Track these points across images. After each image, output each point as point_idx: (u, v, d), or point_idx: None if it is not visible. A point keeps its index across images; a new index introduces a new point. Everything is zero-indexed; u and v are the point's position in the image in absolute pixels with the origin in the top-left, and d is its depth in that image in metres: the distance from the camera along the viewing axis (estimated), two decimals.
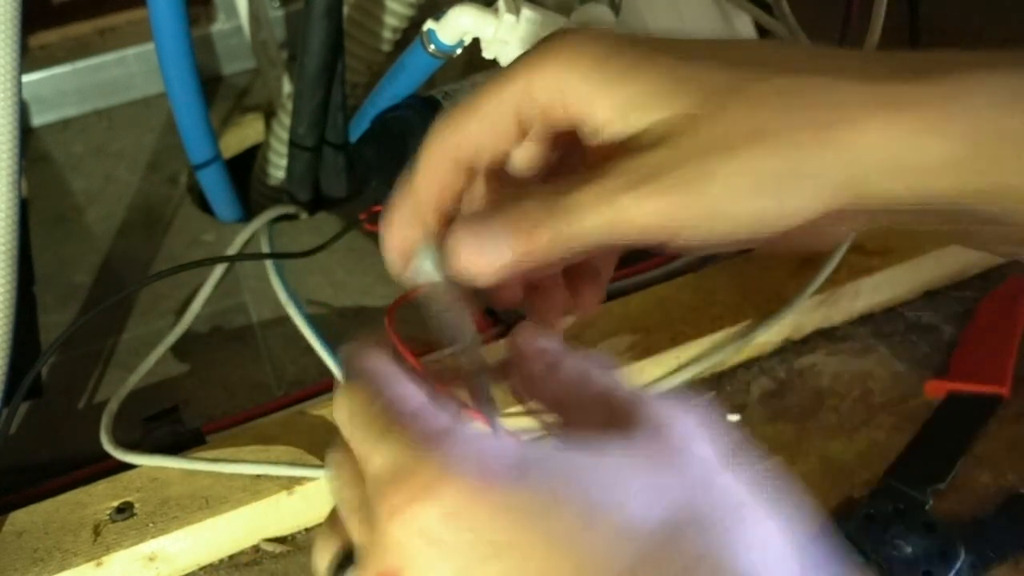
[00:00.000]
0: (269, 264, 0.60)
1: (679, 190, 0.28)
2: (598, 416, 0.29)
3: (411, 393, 0.30)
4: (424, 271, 0.33)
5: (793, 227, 0.29)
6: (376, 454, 0.28)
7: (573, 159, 0.34)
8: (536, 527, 0.25)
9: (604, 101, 0.30)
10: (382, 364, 0.32)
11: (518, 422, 0.34)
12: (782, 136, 0.28)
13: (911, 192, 0.28)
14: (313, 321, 0.57)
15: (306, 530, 0.51)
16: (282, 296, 0.59)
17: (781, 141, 0.28)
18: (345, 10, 0.59)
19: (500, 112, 0.32)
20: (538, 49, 0.31)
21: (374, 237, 0.66)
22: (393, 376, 0.31)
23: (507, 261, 0.30)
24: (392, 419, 0.28)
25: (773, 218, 0.28)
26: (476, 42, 0.53)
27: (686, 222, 0.29)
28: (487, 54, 0.52)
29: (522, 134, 0.33)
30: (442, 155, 0.33)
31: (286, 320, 0.61)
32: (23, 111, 0.58)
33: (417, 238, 0.34)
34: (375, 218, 0.60)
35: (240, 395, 0.58)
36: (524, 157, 0.35)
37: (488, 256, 0.30)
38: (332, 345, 0.55)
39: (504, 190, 0.35)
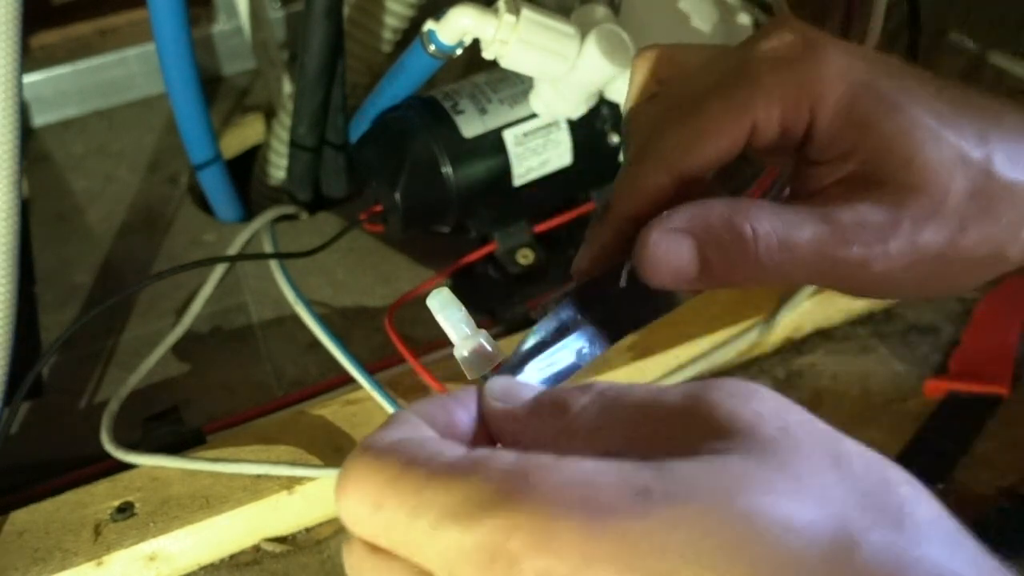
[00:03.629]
0: (274, 264, 0.60)
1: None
2: (675, 432, 0.23)
3: (450, 443, 0.24)
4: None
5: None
6: (441, 531, 0.21)
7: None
8: (693, 555, 0.19)
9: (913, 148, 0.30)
10: (405, 428, 0.25)
11: None
12: None
13: None
14: (322, 320, 0.57)
15: (306, 530, 0.51)
16: (289, 295, 0.58)
17: None
18: (345, 10, 0.59)
19: (734, 132, 0.31)
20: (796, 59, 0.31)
21: (374, 237, 0.66)
22: (422, 430, 0.25)
23: (692, 276, 0.30)
24: (447, 475, 0.21)
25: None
26: (476, 42, 0.53)
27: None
28: (487, 54, 0.52)
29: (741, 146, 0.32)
30: (657, 176, 0.32)
31: (286, 320, 0.61)
32: (24, 111, 0.58)
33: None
34: (375, 218, 0.60)
35: (240, 395, 0.58)
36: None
37: (676, 268, 0.30)
38: (343, 341, 0.55)
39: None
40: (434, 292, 0.31)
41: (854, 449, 0.23)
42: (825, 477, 0.22)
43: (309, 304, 0.58)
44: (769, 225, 0.30)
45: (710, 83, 0.31)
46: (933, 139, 0.30)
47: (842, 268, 0.30)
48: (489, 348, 0.31)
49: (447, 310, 0.31)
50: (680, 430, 0.23)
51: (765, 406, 0.23)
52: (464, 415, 0.27)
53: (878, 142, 0.30)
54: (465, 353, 0.31)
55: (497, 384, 0.28)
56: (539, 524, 0.20)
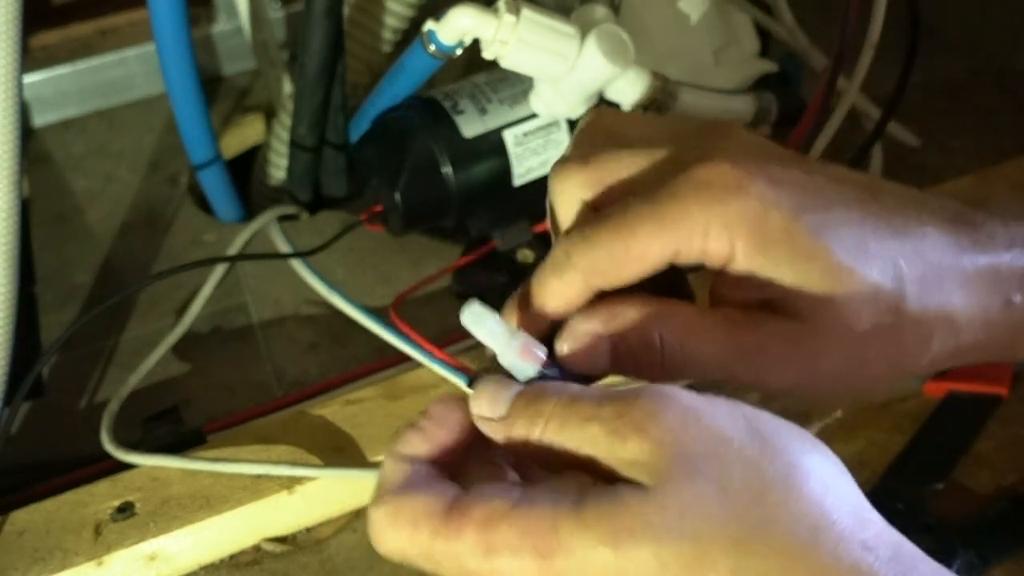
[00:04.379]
0: (297, 263, 0.60)
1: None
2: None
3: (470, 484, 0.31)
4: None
5: None
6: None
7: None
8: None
9: (797, 281, 0.32)
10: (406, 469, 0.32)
11: None
12: None
13: None
14: (366, 308, 0.56)
15: (307, 530, 0.51)
16: (322, 289, 0.58)
17: None
18: (345, 10, 0.59)
19: (658, 256, 0.33)
20: (714, 191, 0.32)
21: (374, 237, 0.66)
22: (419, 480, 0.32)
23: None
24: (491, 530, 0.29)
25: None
26: (476, 42, 0.53)
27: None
28: (487, 54, 0.52)
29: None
30: (579, 288, 0.34)
31: (286, 320, 0.61)
32: (24, 111, 0.58)
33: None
34: (375, 218, 0.60)
35: (241, 395, 0.58)
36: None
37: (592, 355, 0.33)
38: (384, 321, 0.55)
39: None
40: (466, 307, 0.32)
41: (738, 461, 0.28)
42: (706, 507, 0.27)
43: (348, 296, 0.57)
44: (676, 335, 0.33)
45: (642, 208, 0.33)
46: (847, 279, 0.32)
47: (743, 379, 0.34)
48: (534, 349, 0.32)
49: (482, 322, 0.32)
50: (605, 448, 0.29)
51: (667, 429, 0.28)
52: (447, 436, 0.32)
53: (792, 281, 0.32)
54: (511, 360, 0.32)
55: (482, 397, 0.32)
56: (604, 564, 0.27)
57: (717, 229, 0.32)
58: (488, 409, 0.32)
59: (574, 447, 0.30)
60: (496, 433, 0.32)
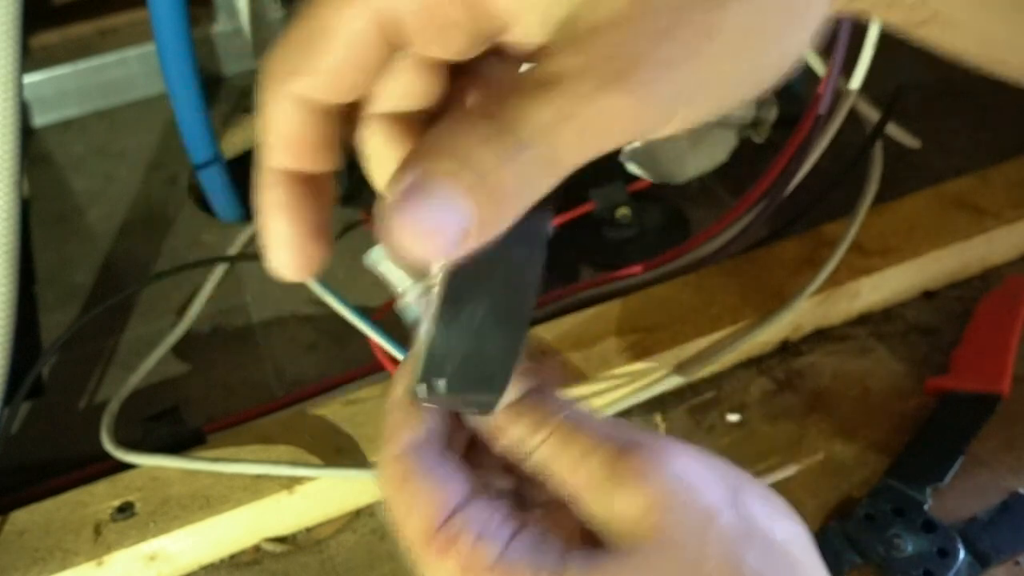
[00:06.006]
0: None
1: (676, 64, 0.22)
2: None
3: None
4: (380, 267, 0.31)
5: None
6: None
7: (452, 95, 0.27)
8: None
9: None
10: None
11: None
12: None
13: None
14: (360, 311, 0.56)
15: (307, 530, 0.51)
16: (318, 289, 0.58)
17: None
18: None
19: (355, 32, 0.24)
20: None
21: (374, 237, 0.66)
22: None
23: (471, 230, 0.22)
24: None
25: (791, 55, 0.25)
26: None
27: (686, 99, 0.23)
28: None
29: (381, 61, 0.25)
30: (284, 106, 0.25)
31: (286, 320, 0.61)
32: (24, 111, 0.58)
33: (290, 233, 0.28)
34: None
35: (240, 395, 0.58)
36: (396, 94, 0.27)
37: (445, 232, 0.22)
38: (383, 329, 0.54)
39: (390, 144, 0.27)
40: (372, 249, 0.29)
41: (719, 543, 0.27)
42: None
43: (345, 299, 0.57)
44: None
45: None
46: None
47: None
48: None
49: (386, 263, 0.30)
50: (598, 486, 0.29)
51: (664, 488, 0.28)
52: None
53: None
54: (410, 300, 0.30)
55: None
56: None
57: None
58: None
59: (568, 470, 0.29)
60: (490, 427, 0.31)
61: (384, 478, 0.30)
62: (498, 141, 0.22)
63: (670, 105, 0.23)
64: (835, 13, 0.28)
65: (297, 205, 0.27)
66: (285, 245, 0.28)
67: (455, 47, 0.25)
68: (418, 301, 0.30)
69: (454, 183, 0.22)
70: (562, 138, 0.22)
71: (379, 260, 0.31)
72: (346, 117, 0.27)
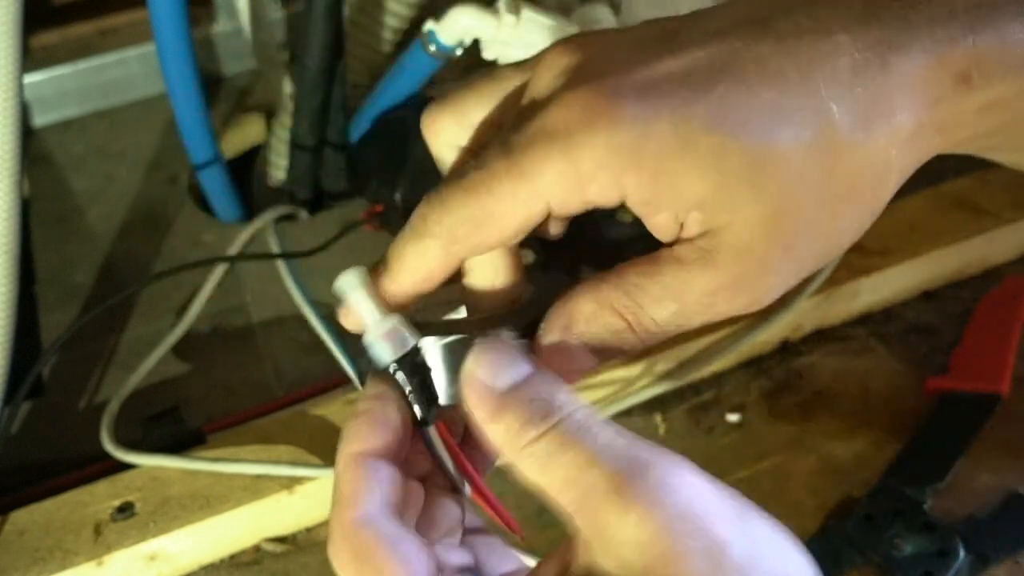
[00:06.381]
0: (280, 264, 0.60)
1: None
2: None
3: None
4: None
5: None
6: None
7: None
8: None
9: (663, 208, 0.28)
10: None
11: None
12: None
13: None
14: (328, 322, 0.57)
15: (307, 530, 0.51)
16: (296, 295, 0.58)
17: None
18: (345, 11, 0.59)
19: (523, 215, 0.28)
20: (569, 133, 0.27)
21: (374, 237, 0.66)
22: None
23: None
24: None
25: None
26: (477, 43, 0.53)
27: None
28: (487, 55, 0.52)
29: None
30: (439, 257, 0.30)
31: (286, 320, 0.61)
32: (24, 111, 0.58)
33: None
34: (375, 218, 0.60)
35: (240, 395, 0.58)
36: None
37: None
38: (345, 345, 0.55)
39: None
40: (344, 273, 0.29)
41: (727, 569, 0.25)
42: None
43: (314, 305, 0.58)
44: (634, 305, 0.29)
45: (497, 162, 0.28)
46: (768, 156, 0.27)
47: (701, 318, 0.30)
48: (404, 334, 0.29)
49: (355, 291, 0.30)
50: (599, 506, 0.26)
51: (672, 514, 0.26)
52: (388, 437, 0.30)
53: (709, 190, 0.27)
54: (373, 338, 0.29)
55: (485, 357, 0.28)
56: None
57: (591, 172, 0.27)
58: (488, 374, 0.28)
59: (560, 479, 0.26)
60: (477, 408, 0.28)
61: (341, 549, 0.28)
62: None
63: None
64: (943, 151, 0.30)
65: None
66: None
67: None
68: (386, 337, 0.29)
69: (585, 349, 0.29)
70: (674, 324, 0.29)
71: (350, 288, 0.30)
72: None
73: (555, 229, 0.32)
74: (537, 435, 0.27)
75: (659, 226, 0.28)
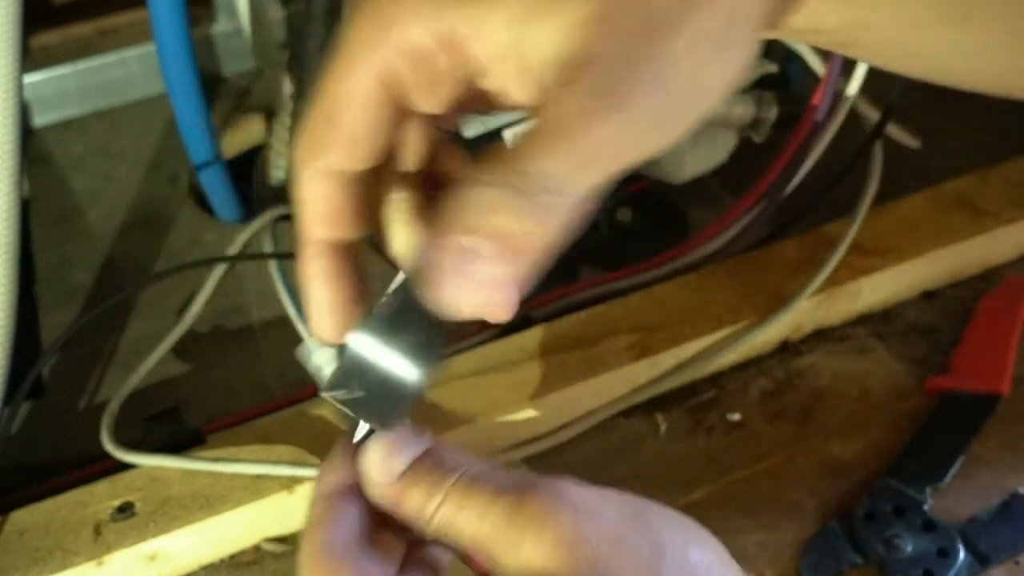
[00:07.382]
0: (272, 264, 0.60)
1: (651, 95, 0.24)
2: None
3: None
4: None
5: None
6: None
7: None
8: None
9: (493, 32, 0.25)
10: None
11: None
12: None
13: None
14: None
15: None
16: (283, 296, 0.59)
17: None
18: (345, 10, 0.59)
19: (364, 95, 0.27)
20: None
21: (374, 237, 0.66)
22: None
23: (515, 285, 0.25)
24: None
25: (732, 75, 0.26)
26: None
27: (667, 124, 0.25)
28: None
29: (392, 121, 0.28)
30: (317, 182, 0.28)
31: (286, 320, 0.61)
32: (24, 111, 0.58)
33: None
34: None
35: (240, 395, 0.58)
36: (406, 159, 0.30)
37: (500, 295, 0.25)
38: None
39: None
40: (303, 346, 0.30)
41: (631, 562, 0.27)
42: None
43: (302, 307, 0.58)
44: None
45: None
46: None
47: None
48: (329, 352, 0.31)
49: (319, 355, 0.30)
50: (502, 544, 0.28)
51: (564, 528, 0.27)
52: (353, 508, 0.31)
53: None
54: (320, 363, 0.30)
55: (374, 456, 0.31)
56: None
57: (409, 25, 0.25)
58: (378, 470, 0.31)
59: (472, 529, 0.29)
60: (385, 498, 0.31)
61: (311, 572, 0.30)
62: (515, 203, 0.24)
63: (657, 123, 0.25)
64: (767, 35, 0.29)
65: (338, 272, 0.30)
66: (329, 311, 0.30)
67: (445, 95, 0.28)
68: (318, 370, 0.31)
69: (494, 252, 0.24)
70: (571, 184, 0.24)
71: (311, 355, 0.31)
72: (371, 182, 0.29)
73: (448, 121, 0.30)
74: (440, 499, 0.29)
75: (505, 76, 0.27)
